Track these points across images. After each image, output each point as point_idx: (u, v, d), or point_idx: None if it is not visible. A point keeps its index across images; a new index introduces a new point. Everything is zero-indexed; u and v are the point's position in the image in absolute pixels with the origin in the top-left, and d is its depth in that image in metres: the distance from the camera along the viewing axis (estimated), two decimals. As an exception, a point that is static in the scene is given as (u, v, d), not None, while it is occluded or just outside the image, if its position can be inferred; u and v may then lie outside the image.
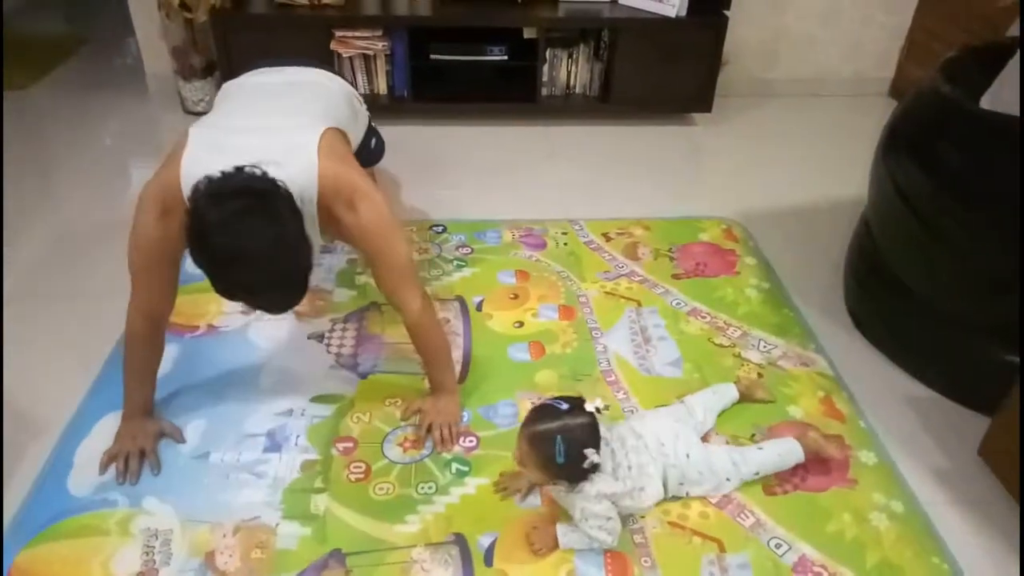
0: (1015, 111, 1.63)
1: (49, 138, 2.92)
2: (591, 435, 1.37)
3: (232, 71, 2.89)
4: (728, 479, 1.56)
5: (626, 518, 1.49)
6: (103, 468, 1.55)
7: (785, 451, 1.61)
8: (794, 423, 1.76)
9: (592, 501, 1.40)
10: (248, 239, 1.25)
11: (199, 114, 3.13)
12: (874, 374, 1.95)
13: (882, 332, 2.03)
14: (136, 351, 1.55)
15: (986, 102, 1.71)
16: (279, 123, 1.52)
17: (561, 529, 1.45)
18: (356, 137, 1.91)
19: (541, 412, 1.39)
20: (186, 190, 1.35)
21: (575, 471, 1.37)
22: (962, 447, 1.74)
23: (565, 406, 1.37)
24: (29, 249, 2.27)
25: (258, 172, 1.32)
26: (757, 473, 1.59)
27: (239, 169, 1.31)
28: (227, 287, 1.32)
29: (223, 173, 1.30)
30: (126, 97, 3.27)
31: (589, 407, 1.37)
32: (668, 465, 1.52)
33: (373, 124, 2.12)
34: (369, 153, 2.08)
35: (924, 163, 1.76)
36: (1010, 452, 1.62)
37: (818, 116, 3.38)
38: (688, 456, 1.54)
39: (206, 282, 1.33)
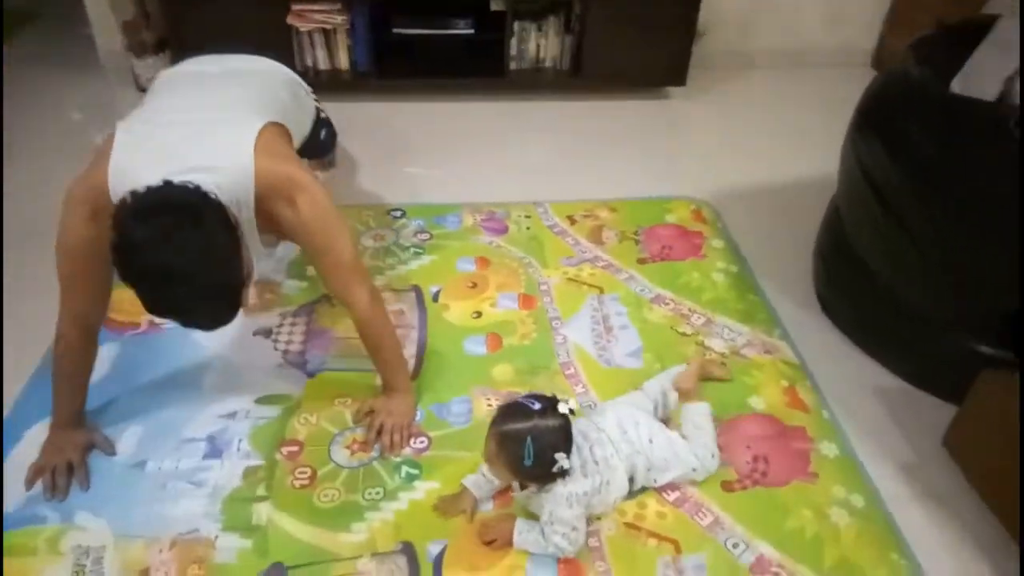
0: (987, 95, 1.56)
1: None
2: (562, 438, 1.33)
3: (184, 47, 2.79)
4: (694, 469, 1.52)
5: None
6: (29, 484, 1.47)
7: (705, 413, 1.61)
8: (756, 416, 1.72)
9: (563, 504, 1.36)
10: (175, 256, 1.20)
11: (153, 93, 3.02)
12: (840, 361, 1.91)
13: (850, 318, 1.98)
14: (67, 361, 1.47)
15: (957, 85, 1.63)
16: (212, 117, 1.43)
17: (519, 526, 1.40)
18: (302, 128, 1.83)
19: (512, 411, 1.35)
20: (114, 191, 1.30)
21: (543, 474, 1.33)
22: (927, 437, 1.70)
23: (537, 406, 1.33)
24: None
25: (189, 185, 1.26)
26: (713, 455, 1.55)
27: (167, 183, 1.24)
28: (155, 306, 1.27)
29: (149, 188, 1.24)
30: (80, 75, 3.14)
31: (563, 408, 1.33)
32: (633, 452, 1.48)
33: (323, 114, 2.02)
34: (319, 144, 1.99)
35: (891, 148, 1.69)
36: (973, 442, 1.58)
37: (797, 88, 3.30)
38: (651, 441, 1.50)
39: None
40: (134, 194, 1.23)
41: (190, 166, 1.29)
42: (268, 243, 1.50)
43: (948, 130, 1.56)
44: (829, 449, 1.65)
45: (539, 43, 3.03)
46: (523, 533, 1.40)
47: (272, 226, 1.43)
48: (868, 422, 1.75)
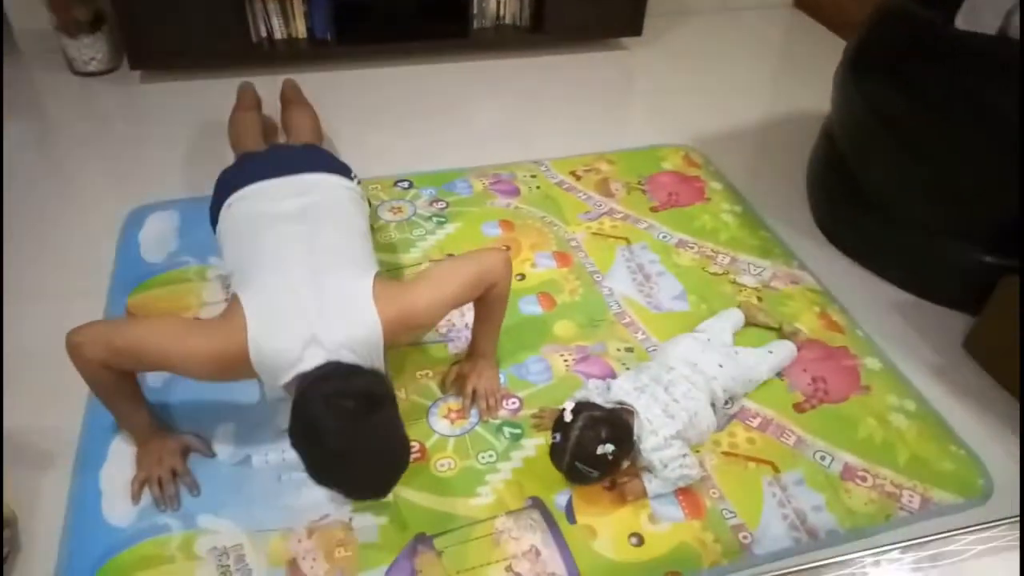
0: (988, 30, 1.73)
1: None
2: (592, 434, 1.39)
3: (130, 26, 2.58)
4: (760, 375, 1.69)
5: (686, 455, 1.54)
6: (136, 498, 1.40)
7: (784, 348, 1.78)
8: (804, 341, 1.86)
9: (663, 448, 1.44)
10: (363, 442, 1.21)
11: (91, 74, 2.77)
12: (854, 284, 2.08)
13: (855, 243, 2.16)
14: (112, 387, 1.38)
15: (960, 21, 1.79)
16: (326, 281, 1.38)
17: (646, 477, 1.48)
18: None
19: (555, 454, 1.44)
20: (256, 359, 1.30)
21: (614, 465, 1.42)
22: (947, 342, 1.91)
23: (558, 437, 1.42)
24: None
25: (367, 370, 1.30)
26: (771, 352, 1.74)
27: (355, 368, 1.29)
28: (328, 481, 1.28)
29: (338, 373, 1.27)
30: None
31: (567, 417, 1.41)
32: (709, 379, 1.58)
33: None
34: None
35: (899, 84, 1.86)
36: (993, 346, 1.80)
37: (733, 32, 3.47)
38: (721, 366, 1.61)
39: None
40: (316, 379, 1.26)
41: (332, 340, 1.30)
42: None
43: (958, 64, 1.73)
44: (872, 363, 1.83)
45: (499, 0, 3.01)
46: (652, 482, 1.48)
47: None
48: (893, 335, 1.93)
